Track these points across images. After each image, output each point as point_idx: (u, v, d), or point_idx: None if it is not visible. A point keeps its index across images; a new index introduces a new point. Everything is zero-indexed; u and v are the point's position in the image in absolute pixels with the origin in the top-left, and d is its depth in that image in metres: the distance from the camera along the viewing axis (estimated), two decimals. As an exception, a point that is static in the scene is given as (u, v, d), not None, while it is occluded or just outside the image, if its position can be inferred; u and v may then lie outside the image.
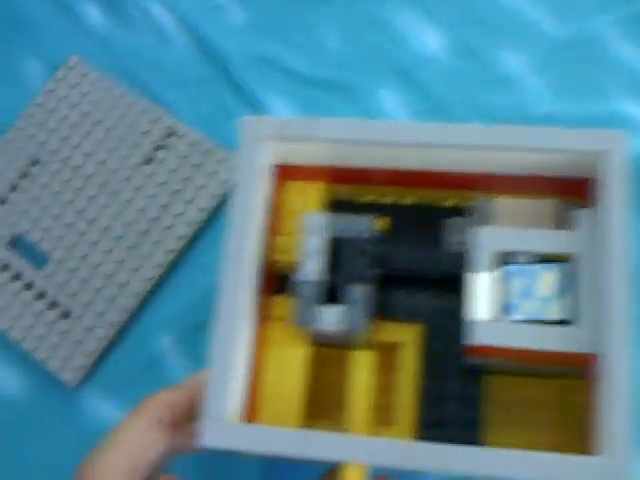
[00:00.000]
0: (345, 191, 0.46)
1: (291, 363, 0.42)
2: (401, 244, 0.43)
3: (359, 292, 0.40)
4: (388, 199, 0.47)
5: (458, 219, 0.45)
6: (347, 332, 0.40)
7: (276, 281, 0.44)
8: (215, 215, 0.57)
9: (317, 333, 0.41)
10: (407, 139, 0.40)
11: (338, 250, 0.42)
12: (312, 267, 0.41)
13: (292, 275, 0.43)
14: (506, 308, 0.40)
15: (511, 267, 0.40)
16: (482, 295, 0.40)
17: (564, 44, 0.60)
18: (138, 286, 0.56)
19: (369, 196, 0.48)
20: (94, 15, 0.65)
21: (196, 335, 0.54)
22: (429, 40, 0.61)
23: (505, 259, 0.41)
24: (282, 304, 0.44)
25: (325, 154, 0.43)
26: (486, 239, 0.40)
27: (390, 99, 0.60)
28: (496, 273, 0.40)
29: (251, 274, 0.39)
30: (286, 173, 0.45)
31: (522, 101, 0.59)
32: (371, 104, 0.60)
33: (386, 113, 0.59)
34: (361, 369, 0.42)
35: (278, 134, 0.41)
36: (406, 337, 0.41)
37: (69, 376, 0.55)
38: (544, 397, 0.41)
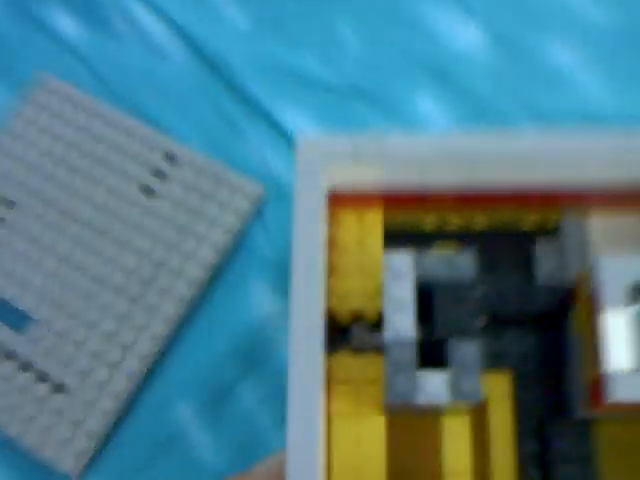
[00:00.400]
0: (396, 218, 0.39)
1: (367, 439, 0.35)
2: (499, 281, 0.35)
3: (469, 349, 0.31)
4: (453, 226, 0.39)
5: (547, 243, 0.37)
6: (459, 402, 0.31)
7: (332, 335, 0.35)
8: (232, 255, 0.50)
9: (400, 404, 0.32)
10: (478, 154, 0.32)
11: (431, 298, 0.32)
12: (403, 322, 0.32)
13: (354, 327, 0.36)
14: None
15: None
16: (616, 340, 0.31)
17: (617, 33, 0.52)
18: (146, 346, 0.47)
19: (429, 224, 0.40)
20: (70, 28, 0.55)
21: (220, 402, 0.47)
22: (465, 34, 0.53)
23: (637, 294, 0.32)
24: (343, 364, 0.36)
25: (382, 177, 0.34)
26: (616, 270, 0.32)
27: (427, 104, 0.52)
28: (631, 311, 0.32)
29: (320, 328, 0.31)
30: (340, 201, 0.36)
31: (580, 100, 0.51)
32: (406, 111, 0.52)
33: (426, 121, 0.51)
34: (456, 438, 0.35)
35: (349, 156, 0.32)
36: (496, 388, 0.36)
37: (68, 464, 0.45)
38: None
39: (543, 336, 0.36)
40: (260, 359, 0.47)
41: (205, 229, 0.49)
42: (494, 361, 0.37)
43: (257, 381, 0.46)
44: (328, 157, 0.33)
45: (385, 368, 0.31)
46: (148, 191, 0.50)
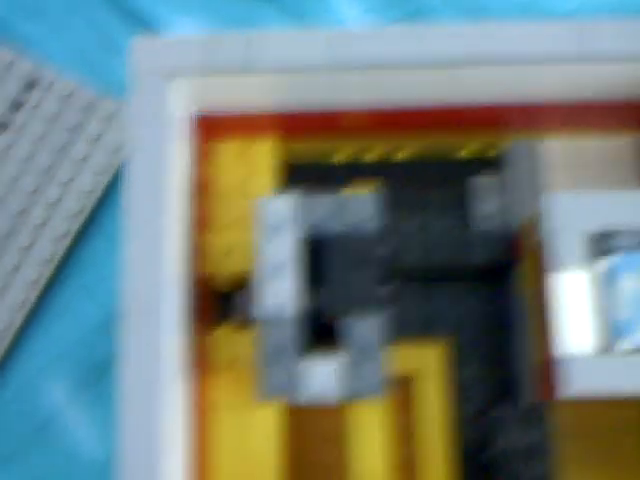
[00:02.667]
0: (304, 149, 0.31)
1: (257, 432, 0.28)
2: (426, 227, 0.27)
3: (369, 329, 0.23)
4: (373, 155, 0.31)
5: (487, 177, 0.30)
6: (352, 399, 0.22)
7: (212, 305, 0.27)
8: (106, 203, 0.41)
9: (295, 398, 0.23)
10: (401, 54, 0.23)
11: (322, 257, 0.24)
12: (280, 291, 0.23)
13: (238, 294, 0.28)
14: (613, 328, 0.23)
15: (614, 259, 0.24)
16: (571, 309, 0.23)
17: None
18: (4, 317, 0.38)
19: (342, 153, 0.31)
20: None
21: (101, 377, 0.39)
22: None
23: (601, 246, 0.24)
24: (225, 342, 0.28)
25: (272, 92, 0.25)
26: (573, 211, 0.24)
27: (346, 4, 0.42)
28: (590, 270, 0.24)
29: (174, 296, 0.22)
30: (213, 128, 0.27)
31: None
32: (320, 13, 0.42)
33: (331, 12, 0.42)
34: (369, 428, 0.28)
35: (197, 63, 0.23)
36: (425, 363, 0.29)
37: None
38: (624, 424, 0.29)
39: (483, 297, 0.30)
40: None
41: (72, 170, 0.40)
42: (422, 328, 0.30)
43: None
44: (175, 65, 0.23)
45: (256, 354, 0.23)
46: (4, 126, 0.41)
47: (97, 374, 0.39)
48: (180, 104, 0.25)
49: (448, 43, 0.25)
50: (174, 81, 0.24)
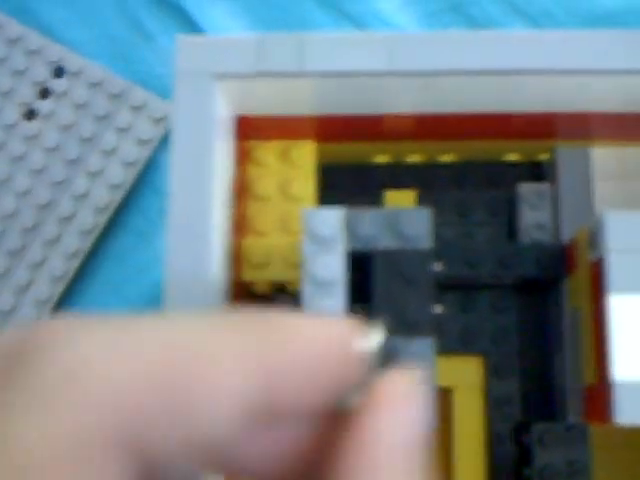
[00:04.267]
0: (343, 150, 0.30)
1: None
2: (468, 238, 0.27)
3: (419, 351, 0.22)
4: (414, 158, 0.30)
5: (534, 186, 0.29)
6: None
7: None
8: (134, 195, 0.40)
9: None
10: (457, 60, 0.22)
11: (370, 273, 0.23)
12: (329, 307, 0.22)
13: (278, 300, 0.28)
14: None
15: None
16: (630, 332, 0.22)
17: None
18: (30, 311, 0.38)
19: (383, 155, 0.30)
20: None
21: None
22: None
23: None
24: None
25: (318, 95, 0.25)
26: (629, 234, 0.23)
27: (396, 9, 0.41)
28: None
29: (215, 299, 0.22)
30: (254, 129, 0.26)
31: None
32: (356, 6, 0.40)
33: (382, 19, 0.41)
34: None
35: (247, 65, 0.22)
36: (464, 376, 0.29)
37: None
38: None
39: (526, 311, 0.29)
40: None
41: (100, 162, 0.39)
42: (461, 343, 0.29)
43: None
44: (223, 67, 0.22)
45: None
46: (30, 114, 0.40)
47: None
48: (225, 104, 0.24)
49: (502, 50, 0.24)
50: (221, 82, 0.22)
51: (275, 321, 0.14)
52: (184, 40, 0.23)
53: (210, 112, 0.22)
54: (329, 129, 0.27)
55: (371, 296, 0.22)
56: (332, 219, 0.22)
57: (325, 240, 0.22)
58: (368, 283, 0.22)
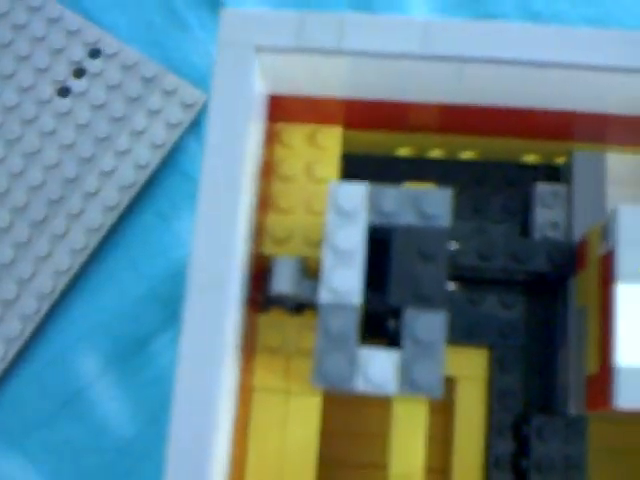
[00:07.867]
0: (368, 139, 0.30)
1: (296, 422, 0.28)
2: (483, 232, 0.27)
3: (431, 324, 0.22)
4: (437, 152, 0.31)
5: (550, 186, 0.29)
6: (408, 394, 0.22)
7: (264, 287, 0.27)
8: (160, 176, 0.41)
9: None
10: (496, 50, 0.23)
11: (389, 248, 0.24)
12: (346, 279, 0.23)
13: None
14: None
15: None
16: (634, 323, 0.23)
17: None
18: (46, 282, 0.38)
19: (406, 148, 0.31)
20: None
21: (133, 357, 0.39)
22: None
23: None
24: (275, 326, 0.28)
25: (350, 78, 0.25)
26: (638, 228, 0.23)
27: (416, 3, 0.42)
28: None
29: (240, 275, 0.22)
30: (284, 109, 0.27)
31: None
32: (388, 9, 0.42)
33: (400, 7, 0.42)
34: (410, 428, 0.28)
35: (288, 40, 0.23)
36: (468, 367, 0.29)
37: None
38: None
39: (533, 307, 0.29)
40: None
41: (129, 142, 0.40)
42: (467, 334, 0.29)
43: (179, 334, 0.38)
44: (265, 40, 0.23)
45: (317, 339, 0.23)
46: (65, 92, 0.41)
47: (135, 348, 0.39)
48: (261, 80, 0.25)
49: (532, 41, 0.25)
50: (260, 54, 0.23)
51: None
52: (228, 12, 0.24)
53: (249, 84, 0.23)
54: (356, 115, 0.28)
55: (388, 270, 0.23)
56: (357, 194, 0.23)
57: (348, 213, 0.23)
58: (386, 261, 0.23)
